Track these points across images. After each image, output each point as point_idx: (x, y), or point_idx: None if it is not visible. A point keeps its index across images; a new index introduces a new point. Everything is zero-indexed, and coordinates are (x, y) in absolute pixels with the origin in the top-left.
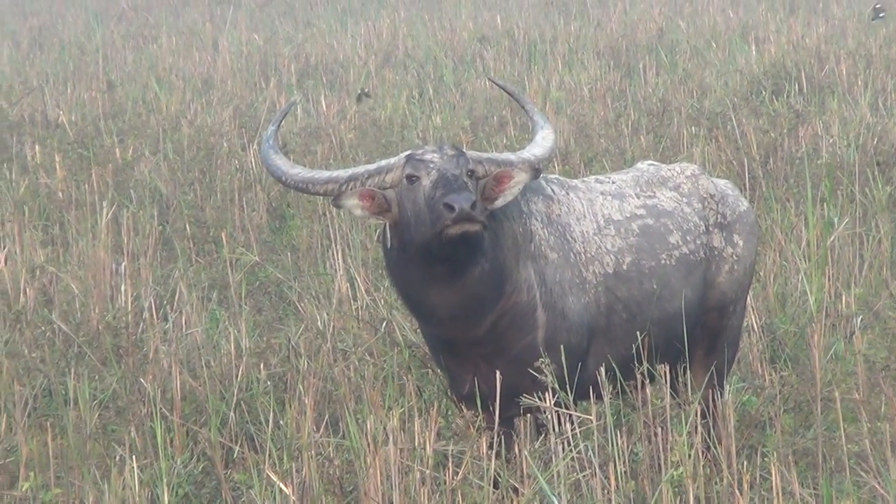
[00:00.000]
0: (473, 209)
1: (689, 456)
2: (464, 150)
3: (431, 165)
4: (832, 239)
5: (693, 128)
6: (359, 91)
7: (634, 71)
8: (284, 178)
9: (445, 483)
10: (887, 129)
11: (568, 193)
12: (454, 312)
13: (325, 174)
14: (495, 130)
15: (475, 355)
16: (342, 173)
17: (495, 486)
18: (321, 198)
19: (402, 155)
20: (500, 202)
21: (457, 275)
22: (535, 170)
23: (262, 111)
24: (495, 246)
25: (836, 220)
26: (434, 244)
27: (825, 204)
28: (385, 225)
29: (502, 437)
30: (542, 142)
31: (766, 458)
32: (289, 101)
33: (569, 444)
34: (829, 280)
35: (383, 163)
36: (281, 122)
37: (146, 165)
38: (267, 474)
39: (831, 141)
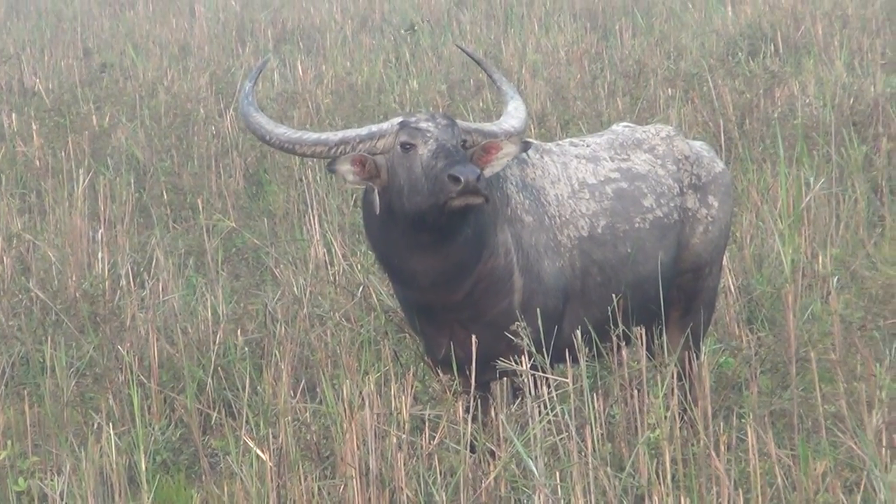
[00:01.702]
0: (479, 182)
1: (666, 418)
2: (455, 120)
3: (428, 134)
4: (808, 199)
5: (669, 89)
6: None
7: (611, 33)
8: (269, 137)
9: (422, 447)
10: (863, 89)
11: (542, 157)
12: (435, 279)
13: (313, 135)
14: (471, 94)
15: (451, 319)
16: (331, 136)
17: (472, 450)
18: (298, 161)
19: (395, 121)
20: (487, 172)
21: (442, 242)
22: (524, 143)
23: (238, 77)
24: (476, 212)
25: (811, 180)
26: (430, 214)
27: (801, 164)
28: (372, 190)
29: (478, 400)
30: (516, 112)
31: (742, 420)
32: (262, 59)
33: (545, 408)
34: (805, 240)
35: (374, 128)
36: (257, 78)
37: (123, 132)
38: (244, 440)
39: (807, 101)
